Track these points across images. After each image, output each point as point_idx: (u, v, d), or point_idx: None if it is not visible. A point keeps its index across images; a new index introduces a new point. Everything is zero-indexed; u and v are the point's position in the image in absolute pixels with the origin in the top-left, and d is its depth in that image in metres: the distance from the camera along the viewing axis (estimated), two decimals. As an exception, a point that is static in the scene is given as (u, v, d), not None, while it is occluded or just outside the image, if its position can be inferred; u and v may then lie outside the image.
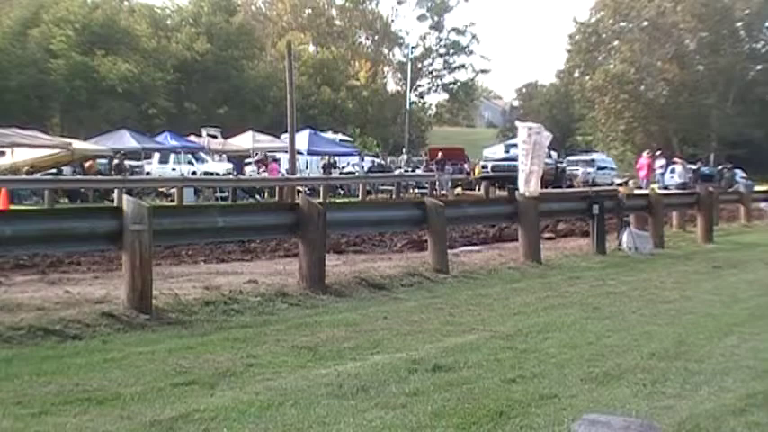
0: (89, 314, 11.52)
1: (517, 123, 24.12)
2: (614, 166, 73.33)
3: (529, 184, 21.17)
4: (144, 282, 12.06)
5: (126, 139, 58.58)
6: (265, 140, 64.65)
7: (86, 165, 54.24)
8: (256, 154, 61.78)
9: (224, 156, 63.57)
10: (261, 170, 55.93)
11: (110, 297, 12.73)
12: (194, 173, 53.32)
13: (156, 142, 62.00)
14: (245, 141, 63.92)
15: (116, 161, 53.63)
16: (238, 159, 61.13)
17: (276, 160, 59.64)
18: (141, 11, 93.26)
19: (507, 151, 57.48)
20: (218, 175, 52.97)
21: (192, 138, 65.05)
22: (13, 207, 35.00)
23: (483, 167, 57.35)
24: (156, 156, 59.27)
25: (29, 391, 8.19)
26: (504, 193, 46.39)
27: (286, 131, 53.16)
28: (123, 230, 12.07)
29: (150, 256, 12.39)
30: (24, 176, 44.71)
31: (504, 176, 49.55)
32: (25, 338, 10.46)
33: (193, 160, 57.56)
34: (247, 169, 58.46)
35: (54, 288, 14.16)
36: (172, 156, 58.35)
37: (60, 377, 8.71)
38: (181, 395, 8.11)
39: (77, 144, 52.90)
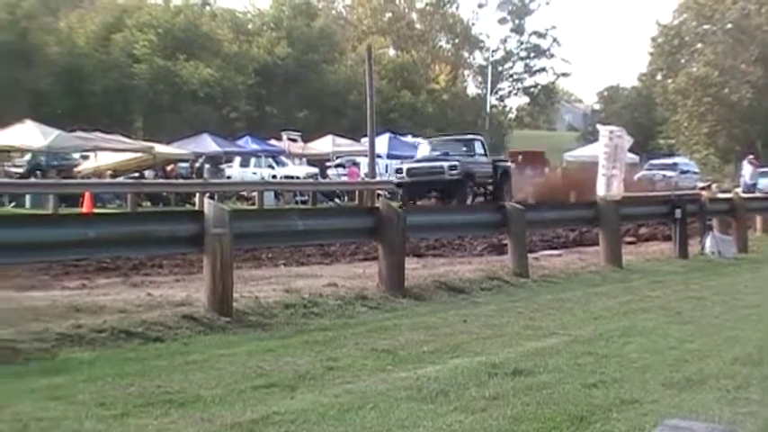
0: (170, 317, 11.62)
1: (598, 127, 23.97)
2: (697, 170, 72.51)
3: (610, 188, 20.99)
4: (225, 285, 12.14)
5: (207, 143, 59.09)
6: (345, 144, 64.87)
7: (168, 168, 54.81)
8: (337, 158, 62.06)
9: (304, 159, 63.89)
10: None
11: (191, 300, 12.83)
12: (275, 176, 53.60)
13: (237, 146, 62.50)
14: (325, 145, 64.18)
15: (201, 163, 54.22)
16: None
17: (356, 164, 59.81)
18: (223, 15, 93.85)
19: (435, 150, 43.85)
20: (298, 178, 53.19)
21: (273, 141, 65.49)
22: (96, 210, 35.43)
23: (397, 171, 42.92)
24: (237, 159, 59.69)
25: (111, 392, 8.26)
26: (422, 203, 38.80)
27: (366, 135, 53.35)
28: (204, 234, 12.15)
29: (231, 260, 12.48)
30: (108, 180, 45.25)
31: (425, 182, 39.85)
32: (108, 340, 10.57)
33: (274, 164, 57.85)
34: (330, 172, 58.71)
35: (136, 290, 14.29)
36: (252, 159, 58.76)
37: (142, 379, 8.78)
38: (261, 398, 8.14)
39: (159, 148, 53.48)
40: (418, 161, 43.33)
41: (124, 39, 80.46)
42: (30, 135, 47.27)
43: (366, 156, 53.07)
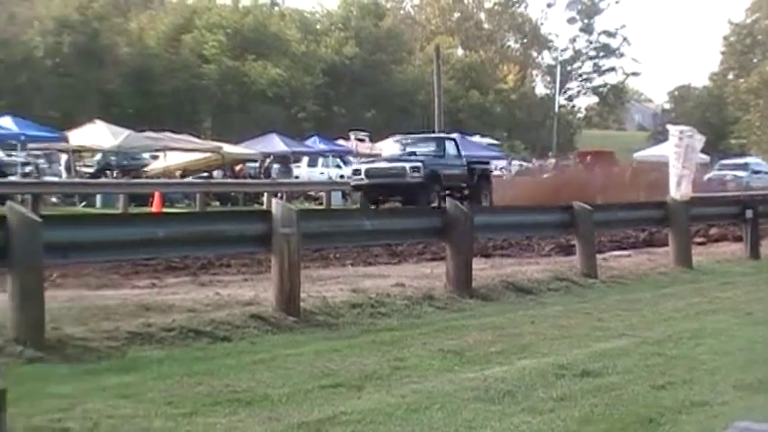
0: (238, 316, 11.66)
1: (669, 126, 23.77)
2: (770, 171, 71.65)
3: (680, 188, 20.79)
4: (292, 284, 12.16)
5: (275, 143, 59.29)
6: (413, 144, 64.80)
7: (236, 168, 55.16)
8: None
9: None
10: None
11: (259, 299, 12.85)
12: (342, 176, 53.70)
13: (304, 146, 62.69)
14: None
15: (269, 163, 54.46)
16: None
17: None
18: (291, 16, 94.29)
19: (401, 149, 38.98)
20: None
21: (341, 141, 65.64)
22: (165, 210, 35.72)
23: (355, 172, 38.30)
24: (305, 159, 59.88)
25: (180, 391, 8.32)
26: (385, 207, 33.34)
27: (434, 135, 53.33)
28: (272, 233, 12.18)
29: (298, 259, 12.50)
30: (177, 180, 45.65)
31: (384, 185, 34.96)
32: (176, 339, 10.63)
33: (341, 163, 57.97)
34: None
35: (204, 290, 14.32)
36: (320, 159, 58.96)
37: (210, 378, 8.83)
38: (328, 397, 8.15)
39: (228, 148, 53.81)
40: (379, 161, 39.17)
41: (193, 39, 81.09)
42: (100, 135, 47.87)
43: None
